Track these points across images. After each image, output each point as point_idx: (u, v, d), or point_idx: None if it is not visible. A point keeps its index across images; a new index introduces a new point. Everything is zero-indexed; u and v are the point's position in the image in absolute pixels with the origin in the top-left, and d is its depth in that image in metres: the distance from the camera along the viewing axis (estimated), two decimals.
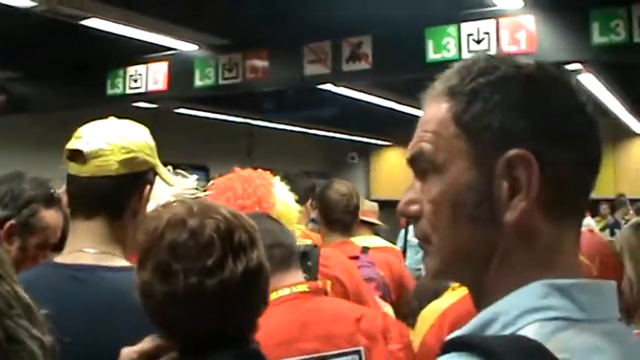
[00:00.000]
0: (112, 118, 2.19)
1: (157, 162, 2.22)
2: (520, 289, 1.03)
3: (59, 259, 2.10)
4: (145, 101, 8.81)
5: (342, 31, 7.06)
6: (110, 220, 2.11)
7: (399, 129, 16.57)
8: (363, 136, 17.09)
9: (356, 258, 4.12)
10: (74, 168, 2.10)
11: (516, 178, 1.04)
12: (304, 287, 2.42)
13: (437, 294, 3.88)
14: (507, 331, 1.01)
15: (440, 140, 1.10)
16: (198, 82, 7.85)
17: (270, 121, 13.57)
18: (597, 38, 5.99)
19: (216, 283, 1.60)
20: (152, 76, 8.16)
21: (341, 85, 8.60)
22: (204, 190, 3.27)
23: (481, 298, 1.11)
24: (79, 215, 2.12)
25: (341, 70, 7.05)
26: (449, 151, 1.09)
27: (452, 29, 6.55)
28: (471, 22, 6.49)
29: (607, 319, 1.04)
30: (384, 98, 10.58)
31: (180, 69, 8.03)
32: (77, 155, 2.07)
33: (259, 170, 3.25)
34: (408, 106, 11.25)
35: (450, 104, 1.10)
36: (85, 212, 2.11)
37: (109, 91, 8.46)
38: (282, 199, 3.13)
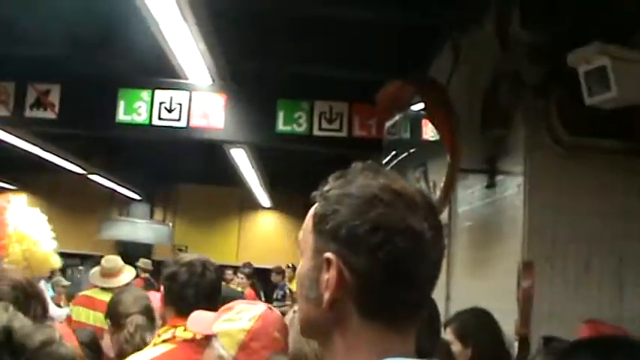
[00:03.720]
0: None
1: None
2: None
3: None
4: None
5: (30, 74, 7.01)
6: None
7: (30, 174, 16.32)
8: None
9: None
10: None
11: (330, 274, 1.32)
12: None
13: None
14: None
15: (305, 233, 1.42)
16: None
17: None
18: (281, 126, 6.68)
19: None
20: None
21: None
22: None
23: None
24: None
25: (23, 115, 6.97)
26: (306, 241, 1.41)
27: (145, 94, 6.83)
28: (166, 91, 6.83)
29: None
30: (27, 141, 10.16)
31: None
32: None
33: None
34: (49, 152, 11.15)
35: (317, 205, 1.40)
36: None
37: None
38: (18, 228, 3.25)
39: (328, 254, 1.32)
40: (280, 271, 14.46)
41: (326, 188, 1.40)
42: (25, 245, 3.25)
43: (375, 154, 6.49)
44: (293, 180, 14.38)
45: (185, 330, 3.28)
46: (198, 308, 3.15)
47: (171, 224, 17.22)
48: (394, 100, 5.60)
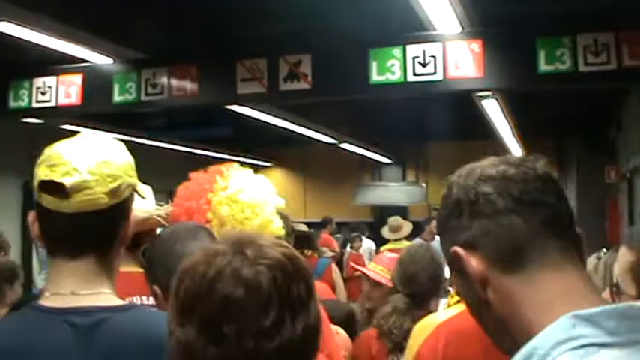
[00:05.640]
0: (83, 135, 2.02)
1: (137, 181, 2.06)
2: (551, 324, 1.21)
3: (48, 302, 1.90)
4: (54, 116, 8.50)
5: (279, 48, 7.09)
6: (98, 257, 1.96)
7: (283, 150, 16.90)
8: (245, 157, 16.92)
9: None
10: (51, 202, 1.89)
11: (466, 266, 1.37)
12: None
13: None
14: None
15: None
16: (117, 97, 7.64)
17: (155, 140, 13.27)
18: (543, 66, 6.31)
19: (275, 347, 1.45)
20: (64, 89, 7.91)
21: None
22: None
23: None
24: (62, 255, 1.94)
25: (278, 89, 7.04)
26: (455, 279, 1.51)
27: (397, 51, 6.69)
28: (417, 45, 6.66)
29: (639, 340, 1.19)
30: (280, 118, 10.45)
31: (97, 82, 7.80)
32: (56, 189, 1.87)
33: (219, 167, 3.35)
34: (301, 126, 11.40)
35: None
36: (70, 251, 1.94)
37: (12, 104, 8.12)
38: (224, 197, 3.18)
39: (451, 250, 1.39)
40: None
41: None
42: (232, 212, 3.15)
43: None
44: (543, 124, 13.96)
45: None
46: None
47: (424, 184, 17.17)
48: None
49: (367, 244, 13.33)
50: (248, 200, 3.17)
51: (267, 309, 1.45)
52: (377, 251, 11.13)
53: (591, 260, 2.77)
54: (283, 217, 3.54)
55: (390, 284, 4.66)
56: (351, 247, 12.98)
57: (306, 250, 6.90)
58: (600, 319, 1.19)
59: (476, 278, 1.35)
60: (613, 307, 1.23)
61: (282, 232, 3.27)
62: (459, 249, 1.37)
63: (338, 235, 14.85)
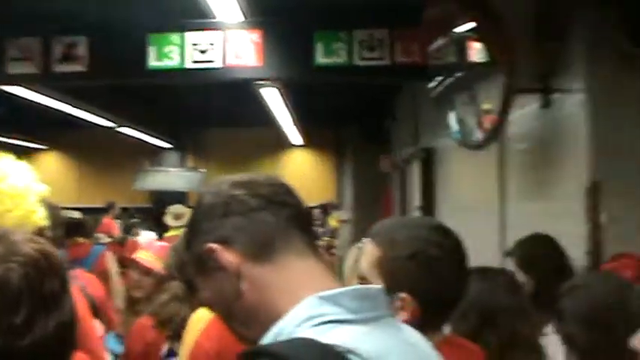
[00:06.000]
0: None
1: None
2: (298, 305, 1.32)
3: None
4: None
5: (54, 27, 6.81)
6: None
7: (58, 132, 16.30)
8: (17, 139, 16.01)
9: None
10: None
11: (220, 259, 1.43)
12: None
13: None
14: None
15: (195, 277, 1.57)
16: None
17: None
18: (320, 59, 6.48)
19: (27, 345, 1.42)
20: None
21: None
22: None
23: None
24: None
25: (52, 70, 6.77)
26: (197, 279, 1.55)
27: (175, 37, 6.63)
28: (196, 32, 6.61)
29: (377, 317, 1.35)
30: (55, 99, 10.10)
31: None
32: None
33: None
34: (78, 108, 11.17)
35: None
36: None
37: None
38: None
39: (205, 248, 1.45)
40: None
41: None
42: None
43: (420, 81, 6.32)
44: (323, 115, 14.30)
45: None
46: None
47: (204, 170, 17.14)
48: (438, 21, 5.38)
49: (147, 236, 13.15)
50: (8, 189, 2.96)
51: (17, 306, 1.42)
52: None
53: (353, 250, 2.86)
54: (49, 206, 3.38)
55: (160, 272, 4.63)
56: (130, 234, 12.77)
57: (79, 238, 6.66)
58: (342, 299, 1.30)
59: (232, 272, 1.41)
60: (353, 288, 1.34)
61: (46, 222, 3.10)
62: (213, 245, 1.43)
63: (119, 221, 14.62)
